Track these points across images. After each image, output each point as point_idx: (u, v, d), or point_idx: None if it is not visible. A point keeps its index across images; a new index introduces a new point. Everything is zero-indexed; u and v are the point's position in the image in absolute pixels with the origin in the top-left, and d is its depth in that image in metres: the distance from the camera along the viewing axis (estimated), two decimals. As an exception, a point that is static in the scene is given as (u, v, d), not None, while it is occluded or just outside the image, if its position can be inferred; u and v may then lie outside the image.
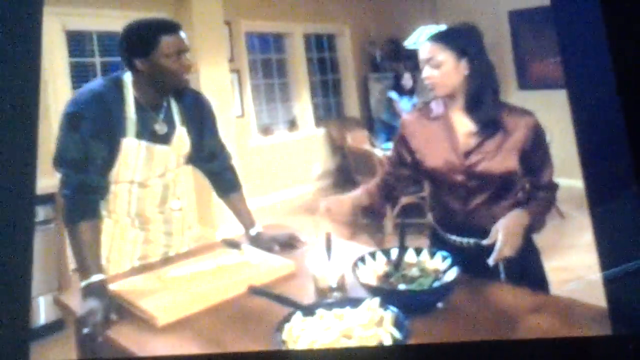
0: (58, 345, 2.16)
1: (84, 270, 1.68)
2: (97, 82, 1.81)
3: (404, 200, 3.42)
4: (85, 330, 1.52)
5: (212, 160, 2.04)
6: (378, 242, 3.36)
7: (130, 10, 3.44)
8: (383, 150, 3.82)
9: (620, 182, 1.63)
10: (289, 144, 4.55)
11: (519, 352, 1.38)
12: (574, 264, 2.33)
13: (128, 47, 1.78)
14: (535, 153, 1.67)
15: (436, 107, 1.77)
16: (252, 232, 2.02)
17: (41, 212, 2.75)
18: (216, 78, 3.90)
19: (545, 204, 1.71)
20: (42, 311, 2.55)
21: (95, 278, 1.66)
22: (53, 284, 2.61)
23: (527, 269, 1.70)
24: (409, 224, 2.01)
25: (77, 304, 1.67)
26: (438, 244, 1.78)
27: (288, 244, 1.98)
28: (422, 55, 1.72)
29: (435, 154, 1.75)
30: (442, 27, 3.53)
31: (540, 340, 1.36)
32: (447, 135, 1.73)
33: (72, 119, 1.74)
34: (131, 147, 1.81)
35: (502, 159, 1.66)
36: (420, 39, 3.66)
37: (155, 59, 1.76)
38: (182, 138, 1.91)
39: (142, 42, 1.77)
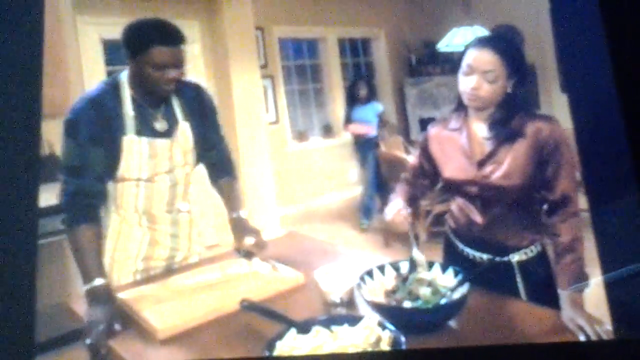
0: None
1: (85, 274, 1.69)
2: (95, 87, 1.82)
3: (437, 209, 3.32)
4: (88, 341, 1.51)
5: (210, 151, 2.00)
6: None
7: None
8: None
9: (621, 185, 1.54)
10: (324, 150, 4.52)
11: (520, 356, 1.32)
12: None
13: (123, 43, 1.77)
14: (549, 164, 1.55)
15: (456, 119, 1.69)
16: (233, 214, 1.96)
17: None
18: (248, 84, 3.90)
19: (570, 241, 1.53)
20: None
21: (98, 282, 1.66)
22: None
23: (546, 285, 1.60)
24: (440, 232, 1.95)
25: (84, 310, 1.67)
26: (452, 258, 1.70)
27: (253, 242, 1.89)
28: (475, 62, 1.57)
29: (451, 164, 1.68)
30: (477, 28, 3.44)
31: (542, 345, 1.31)
32: (465, 146, 1.65)
33: (69, 127, 1.75)
34: (133, 144, 1.80)
35: (516, 169, 1.56)
36: (454, 41, 3.58)
37: (140, 64, 1.74)
38: (185, 133, 1.89)
39: (132, 43, 1.75)
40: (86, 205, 1.76)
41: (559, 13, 1.72)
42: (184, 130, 1.89)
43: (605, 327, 1.35)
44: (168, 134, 1.86)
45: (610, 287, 1.44)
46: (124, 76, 1.81)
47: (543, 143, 1.54)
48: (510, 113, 1.59)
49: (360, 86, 4.29)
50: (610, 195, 1.54)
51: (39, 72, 1.81)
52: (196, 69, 3.82)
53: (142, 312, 1.56)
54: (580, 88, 1.63)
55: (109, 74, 3.60)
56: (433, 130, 1.75)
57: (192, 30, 3.81)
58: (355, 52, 4.73)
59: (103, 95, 1.79)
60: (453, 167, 1.67)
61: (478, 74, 1.56)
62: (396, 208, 1.70)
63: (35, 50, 1.80)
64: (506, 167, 1.57)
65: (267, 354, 1.22)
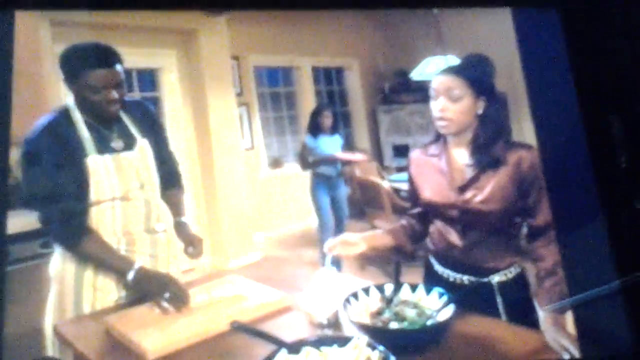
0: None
1: (119, 268, 1.80)
2: (45, 116, 1.81)
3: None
4: (166, 306, 1.70)
5: (162, 165, 2.03)
6: (388, 274, 3.31)
7: (138, 47, 3.51)
8: (390, 182, 3.80)
9: (586, 209, 1.60)
10: (299, 176, 4.56)
11: None
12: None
13: (60, 69, 1.79)
14: (532, 191, 1.61)
15: (435, 146, 1.75)
16: (177, 219, 2.04)
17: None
18: (224, 112, 3.94)
19: (553, 265, 1.59)
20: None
21: (136, 266, 1.78)
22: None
23: (526, 306, 1.65)
24: (419, 256, 2.00)
25: (74, 334, 1.68)
26: (432, 280, 1.74)
27: (191, 246, 1.99)
28: (439, 85, 1.65)
29: (431, 188, 1.73)
30: (450, 57, 3.54)
31: None
32: (444, 171, 1.70)
33: (29, 157, 1.75)
34: (97, 163, 1.81)
35: (496, 195, 1.62)
36: (427, 70, 3.68)
37: (78, 88, 1.76)
38: (145, 150, 1.93)
39: (67, 69, 1.77)
40: (77, 223, 1.79)
41: (525, 42, 1.80)
42: (144, 147, 1.93)
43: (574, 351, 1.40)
44: (128, 148, 1.89)
45: (577, 309, 1.49)
46: (71, 101, 1.82)
47: (525, 172, 1.60)
48: (489, 139, 1.65)
49: (326, 114, 3.94)
50: (575, 219, 1.61)
51: (8, 99, 1.81)
52: (173, 96, 3.85)
53: (130, 334, 1.56)
54: (546, 115, 1.70)
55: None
56: (414, 154, 1.81)
57: (169, 59, 3.85)
58: (329, 80, 4.81)
59: (55, 121, 1.79)
60: (431, 190, 1.72)
61: (442, 96, 1.64)
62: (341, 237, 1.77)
63: (4, 78, 1.80)
64: (487, 193, 1.62)
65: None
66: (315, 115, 3.98)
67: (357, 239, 1.77)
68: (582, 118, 1.62)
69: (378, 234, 1.84)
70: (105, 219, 1.86)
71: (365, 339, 1.31)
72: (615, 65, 1.66)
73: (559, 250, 1.58)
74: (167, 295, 1.70)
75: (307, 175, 4.56)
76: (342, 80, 4.87)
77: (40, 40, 3.18)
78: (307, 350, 1.31)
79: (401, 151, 4.40)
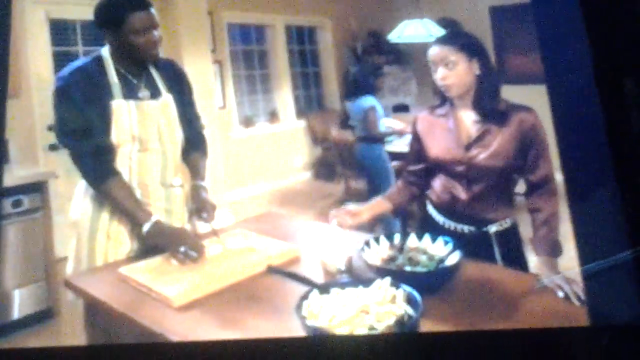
0: (35, 338, 2.26)
1: (139, 217, 1.84)
2: (78, 60, 1.92)
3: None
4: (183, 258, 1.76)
5: (186, 126, 2.08)
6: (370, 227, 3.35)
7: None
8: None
9: (599, 178, 1.67)
10: (270, 136, 4.59)
11: (495, 342, 1.42)
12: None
13: (99, 22, 1.89)
14: (531, 150, 1.76)
15: (442, 108, 1.88)
16: (195, 182, 2.05)
17: (26, 201, 2.77)
18: (199, 69, 3.92)
19: (548, 216, 1.76)
20: (16, 305, 2.58)
21: (154, 218, 1.84)
22: (34, 275, 2.66)
23: (518, 253, 1.82)
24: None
25: (89, 284, 1.73)
26: (432, 230, 1.84)
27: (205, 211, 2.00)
28: (435, 57, 1.81)
29: (439, 146, 1.86)
30: (426, 21, 3.62)
31: (517, 331, 1.41)
32: (452, 130, 1.83)
33: (63, 92, 1.85)
34: (122, 107, 1.89)
35: (500, 152, 1.76)
36: (404, 33, 3.76)
37: (123, 35, 1.85)
38: (169, 104, 1.99)
39: (110, 18, 1.86)
40: (106, 160, 1.87)
41: (539, 2, 1.88)
42: (167, 101, 1.99)
43: (580, 286, 1.54)
44: (153, 98, 1.97)
45: (589, 279, 1.60)
46: (105, 51, 1.92)
47: (526, 132, 1.76)
48: (490, 94, 1.79)
49: (382, 80, 3.76)
50: (589, 188, 1.70)
51: (5, 57, 1.83)
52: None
53: (150, 283, 1.62)
54: (560, 78, 1.80)
55: (56, 54, 3.52)
56: (422, 114, 1.94)
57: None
58: (302, 39, 4.81)
59: (88, 65, 1.90)
60: (440, 147, 1.85)
61: (440, 66, 1.80)
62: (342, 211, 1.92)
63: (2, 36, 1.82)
64: (492, 150, 1.78)
65: (298, 311, 1.32)
66: (374, 77, 3.82)
67: (360, 209, 1.93)
68: (596, 81, 1.70)
69: (378, 202, 1.99)
70: (122, 167, 1.91)
71: (388, 279, 1.42)
72: (631, 27, 1.74)
73: (571, 218, 1.70)
74: (182, 249, 1.77)
75: (277, 135, 4.63)
76: (314, 39, 4.88)
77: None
78: (336, 290, 1.41)
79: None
